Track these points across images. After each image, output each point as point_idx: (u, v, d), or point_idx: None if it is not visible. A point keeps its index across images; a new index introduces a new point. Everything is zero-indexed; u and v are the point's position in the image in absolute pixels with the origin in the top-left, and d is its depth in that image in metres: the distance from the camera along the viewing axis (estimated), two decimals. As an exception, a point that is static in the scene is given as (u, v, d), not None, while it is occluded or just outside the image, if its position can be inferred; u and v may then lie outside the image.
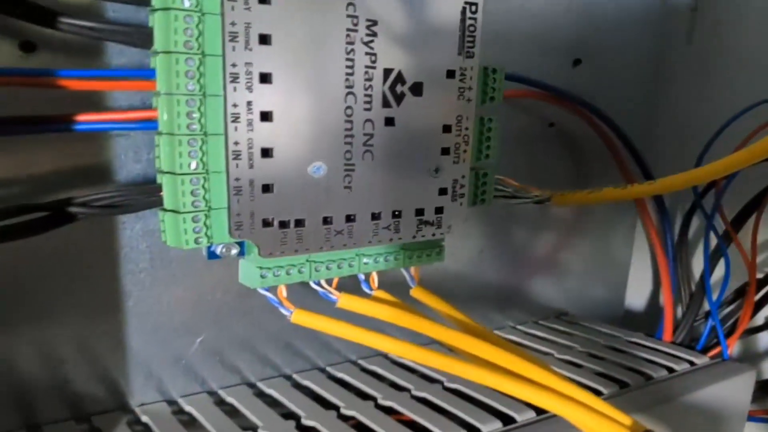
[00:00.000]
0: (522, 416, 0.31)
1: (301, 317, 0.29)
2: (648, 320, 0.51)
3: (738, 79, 0.44)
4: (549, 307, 0.48)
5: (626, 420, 0.26)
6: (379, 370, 0.37)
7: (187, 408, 0.32)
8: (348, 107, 0.27)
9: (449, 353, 0.30)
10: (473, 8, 0.30)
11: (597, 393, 0.35)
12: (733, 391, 0.38)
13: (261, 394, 0.34)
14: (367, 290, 0.32)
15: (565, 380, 0.28)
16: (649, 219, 0.46)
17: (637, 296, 0.53)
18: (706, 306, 0.42)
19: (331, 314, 0.29)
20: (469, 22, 0.30)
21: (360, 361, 0.38)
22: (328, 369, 0.37)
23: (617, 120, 0.44)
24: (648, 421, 0.33)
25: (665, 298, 0.44)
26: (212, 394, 0.34)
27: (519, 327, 0.46)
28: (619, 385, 0.36)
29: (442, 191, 0.32)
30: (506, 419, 0.31)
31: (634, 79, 0.47)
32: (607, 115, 0.42)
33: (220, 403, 0.33)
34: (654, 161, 0.46)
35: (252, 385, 0.35)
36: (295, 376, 0.36)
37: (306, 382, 0.35)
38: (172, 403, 0.33)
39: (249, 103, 0.25)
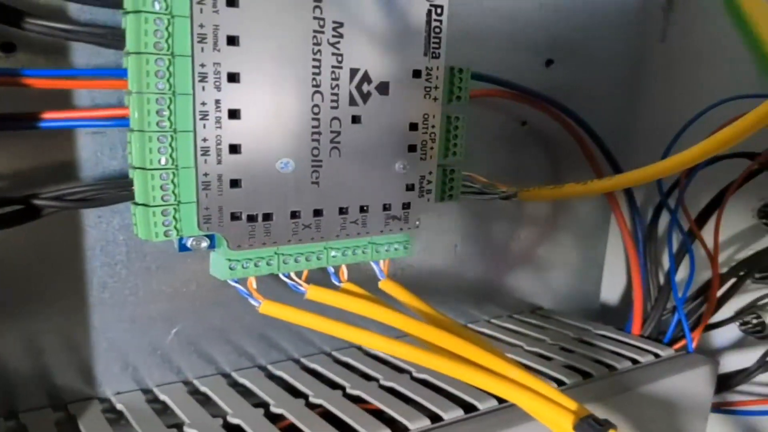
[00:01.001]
0: (484, 405, 0.32)
1: (269, 308, 0.30)
2: (622, 314, 0.52)
3: (709, 76, 0.45)
4: (524, 302, 0.49)
5: (572, 405, 0.27)
6: (352, 361, 0.38)
7: (162, 397, 0.33)
8: (315, 105, 0.28)
9: (414, 344, 0.31)
10: (438, 10, 0.31)
11: (560, 383, 0.36)
12: (696, 383, 0.40)
13: (234, 384, 0.35)
14: (336, 282, 0.33)
15: (521, 370, 0.29)
16: (621, 216, 0.47)
17: (611, 290, 0.54)
18: (674, 301, 0.43)
19: (302, 306, 0.30)
20: (434, 23, 0.31)
21: (334, 353, 0.39)
22: (302, 360, 0.38)
23: (592, 118, 0.45)
24: (607, 409, 0.34)
25: (635, 293, 0.45)
26: (187, 383, 0.35)
27: (493, 321, 0.47)
28: (582, 375, 0.37)
29: (410, 187, 0.33)
30: (469, 407, 0.32)
31: (608, 78, 0.48)
32: (577, 114, 0.43)
33: (194, 392, 0.34)
34: (632, 158, 0.47)
35: (227, 375, 0.36)
36: (269, 366, 0.37)
37: (279, 373, 0.36)
38: (147, 391, 0.34)
39: (217, 102, 0.26)
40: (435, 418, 0.31)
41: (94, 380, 0.33)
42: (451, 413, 0.32)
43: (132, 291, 0.33)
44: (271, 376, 0.36)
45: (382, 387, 0.35)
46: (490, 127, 0.43)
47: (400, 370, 0.37)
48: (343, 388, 0.34)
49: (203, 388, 0.35)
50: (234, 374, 0.36)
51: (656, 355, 0.41)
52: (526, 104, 0.42)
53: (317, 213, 0.30)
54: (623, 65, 0.49)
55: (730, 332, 0.46)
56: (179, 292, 0.34)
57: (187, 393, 0.34)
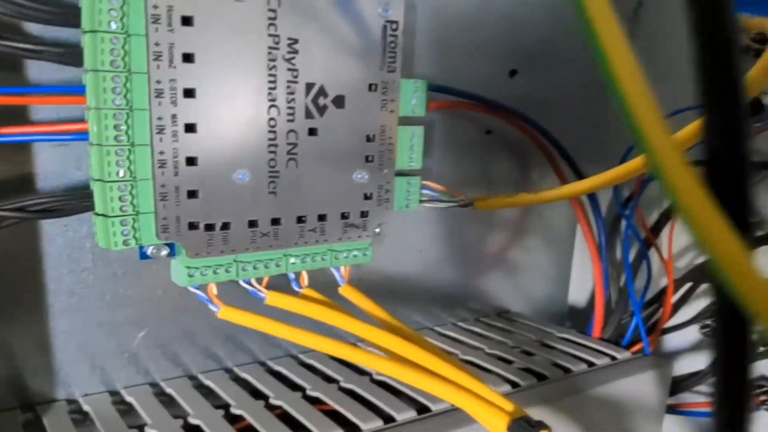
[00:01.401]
0: (437, 406, 0.33)
1: (228, 313, 0.31)
2: (588, 317, 0.53)
3: (673, 86, 0.46)
4: (492, 305, 0.51)
5: (509, 407, 0.28)
6: (316, 364, 0.39)
7: (128, 398, 0.35)
8: (271, 119, 0.30)
9: (369, 349, 0.32)
10: (394, 26, 0.32)
11: (515, 385, 0.37)
12: (650, 385, 0.41)
13: (199, 386, 0.37)
14: (296, 288, 0.34)
15: (466, 374, 0.30)
16: (585, 222, 0.48)
17: (578, 294, 0.55)
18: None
19: (264, 311, 0.32)
20: (390, 39, 0.32)
21: (300, 356, 0.41)
22: (268, 362, 0.39)
23: (558, 126, 0.46)
24: (559, 411, 0.35)
25: (597, 297, 0.47)
26: (154, 385, 0.36)
27: (460, 323, 0.48)
28: (538, 378, 0.38)
29: (368, 196, 0.34)
30: (423, 409, 0.33)
31: (574, 87, 0.49)
32: (539, 124, 0.44)
33: (160, 393, 0.36)
34: (598, 166, 0.48)
35: (193, 377, 0.37)
36: (235, 369, 0.38)
37: (244, 375, 0.38)
38: (114, 393, 0.35)
39: (174, 116, 0.27)
40: (388, 419, 0.32)
41: (63, 383, 0.34)
42: (405, 414, 0.33)
43: (99, 296, 0.34)
44: (236, 378, 0.38)
45: (341, 389, 0.36)
46: (455, 136, 0.44)
47: (362, 372, 0.38)
48: (303, 390, 0.36)
49: (169, 390, 0.36)
50: (200, 376, 0.37)
51: (612, 358, 0.42)
52: (490, 115, 0.43)
53: (275, 222, 0.31)
54: (589, 75, 0.50)
55: (692, 335, 0.48)
56: (145, 297, 0.35)
57: (152, 395, 0.35)
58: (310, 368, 0.39)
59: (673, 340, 0.48)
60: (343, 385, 0.36)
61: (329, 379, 0.37)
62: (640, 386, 0.40)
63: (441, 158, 0.43)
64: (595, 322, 0.46)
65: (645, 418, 0.41)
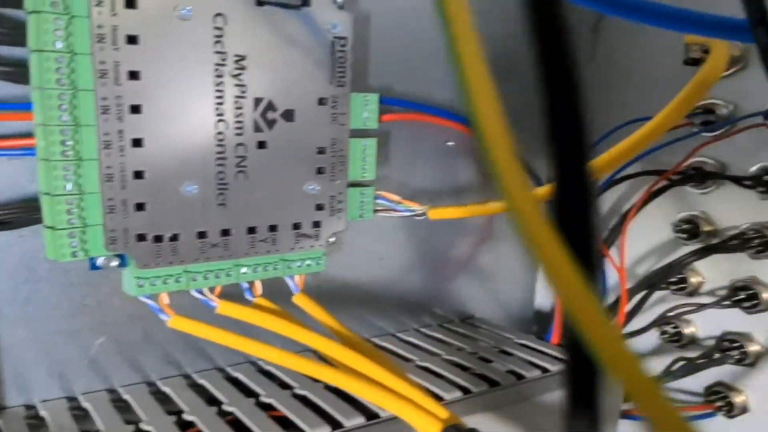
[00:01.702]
0: (385, 413, 0.34)
1: (178, 323, 0.32)
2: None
3: (636, 94, 0.47)
4: (456, 311, 0.51)
5: (443, 414, 0.29)
6: (274, 370, 0.40)
7: (85, 404, 0.35)
8: (219, 133, 0.30)
9: (317, 359, 0.33)
10: (342, 42, 0.33)
11: (467, 391, 0.38)
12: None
13: (157, 392, 0.37)
14: (249, 297, 0.35)
15: (407, 383, 0.31)
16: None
17: (545, 299, 0.56)
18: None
19: (219, 320, 0.32)
20: (338, 54, 0.33)
21: (259, 362, 0.41)
22: (227, 369, 0.40)
23: (519, 135, 0.47)
24: (508, 417, 0.36)
25: (557, 303, 0.47)
26: (112, 391, 0.37)
27: (422, 329, 0.49)
28: (490, 384, 0.39)
29: (320, 207, 0.35)
30: (372, 416, 0.34)
31: (532, 96, 0.50)
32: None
33: (117, 400, 0.36)
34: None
35: (151, 384, 0.38)
36: (194, 375, 0.39)
37: (202, 381, 0.38)
38: (72, 399, 0.36)
39: (120, 132, 0.28)
40: (336, 425, 0.33)
41: (22, 389, 0.35)
42: (353, 420, 0.33)
43: (56, 305, 0.35)
44: (194, 385, 0.38)
45: (295, 395, 0.37)
46: (418, 145, 0.45)
47: (316, 379, 0.38)
48: (257, 396, 0.36)
49: (126, 396, 0.36)
50: (158, 382, 0.38)
51: (567, 364, 0.43)
52: (450, 126, 0.44)
53: (225, 233, 0.32)
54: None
55: (652, 340, 0.49)
56: (103, 305, 0.36)
57: (109, 401, 0.36)
58: (268, 375, 0.40)
59: (634, 345, 0.49)
60: (297, 391, 0.37)
61: (285, 386, 0.38)
62: (592, 392, 0.41)
63: (404, 168, 0.44)
64: (554, 329, 0.47)
65: (598, 423, 0.42)
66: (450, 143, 0.46)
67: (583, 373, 0.13)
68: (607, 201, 0.46)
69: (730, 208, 0.42)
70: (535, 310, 0.57)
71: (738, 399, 0.44)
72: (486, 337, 0.47)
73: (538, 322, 0.56)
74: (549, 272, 0.13)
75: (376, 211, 0.38)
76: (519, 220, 0.13)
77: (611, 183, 0.44)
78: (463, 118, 0.43)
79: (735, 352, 0.42)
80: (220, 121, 0.30)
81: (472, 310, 0.52)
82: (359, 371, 0.32)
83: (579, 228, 0.13)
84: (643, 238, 0.47)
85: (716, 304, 0.41)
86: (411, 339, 0.47)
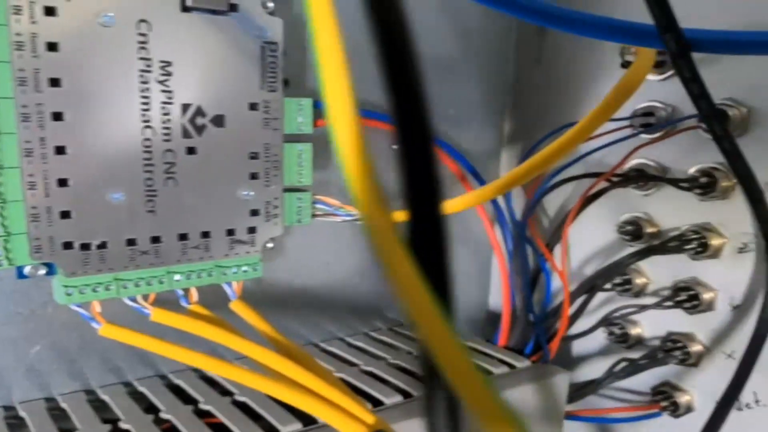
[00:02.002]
0: (323, 420, 0.34)
1: (109, 331, 0.32)
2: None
3: (580, 96, 0.48)
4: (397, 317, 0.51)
5: (370, 420, 0.29)
6: (216, 377, 0.40)
7: (22, 413, 0.35)
8: (146, 139, 0.30)
9: (250, 367, 0.33)
10: (273, 47, 0.33)
11: (408, 395, 0.38)
12: (547, 392, 0.42)
13: (95, 400, 0.37)
14: (185, 304, 0.35)
15: (338, 390, 0.31)
16: (492, 232, 0.49)
17: (498, 301, 0.56)
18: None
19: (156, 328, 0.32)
20: (269, 59, 0.33)
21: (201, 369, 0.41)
22: (169, 375, 0.40)
23: (465, 139, 0.47)
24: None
25: (504, 306, 0.48)
26: (50, 399, 0.37)
27: (371, 333, 0.49)
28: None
29: (255, 212, 0.35)
30: (310, 421, 0.34)
31: (481, 100, 0.50)
32: (439, 138, 0.45)
33: (54, 408, 0.36)
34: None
35: (90, 392, 0.38)
36: (134, 382, 0.39)
37: (142, 389, 0.38)
38: (9, 408, 0.36)
39: (42, 139, 0.28)
40: (273, 431, 0.33)
41: (-42, 398, 0.35)
42: (289, 426, 0.33)
43: (-12, 314, 0.34)
44: (133, 393, 0.38)
45: (234, 402, 0.36)
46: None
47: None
48: (196, 403, 0.36)
49: (63, 405, 0.36)
50: (98, 390, 0.38)
51: (511, 367, 0.43)
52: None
53: (155, 240, 0.32)
54: (498, 87, 0.51)
55: (599, 341, 0.49)
56: (36, 313, 0.35)
57: (45, 409, 0.35)
58: (210, 382, 0.39)
59: (581, 346, 0.50)
60: (237, 398, 0.37)
61: (225, 393, 0.38)
62: (535, 394, 0.41)
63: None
64: (501, 331, 0.47)
65: (543, 425, 0.42)
66: (396, 146, 0.46)
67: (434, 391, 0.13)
68: (552, 204, 0.46)
69: (671, 210, 0.42)
70: (487, 312, 0.57)
71: (683, 399, 0.44)
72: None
73: (492, 324, 0.57)
74: (399, 290, 0.13)
75: (315, 215, 0.38)
76: (371, 235, 0.13)
77: (552, 186, 0.44)
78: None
79: (678, 353, 0.43)
80: (146, 127, 0.30)
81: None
82: (291, 379, 0.32)
83: (429, 246, 0.13)
84: (590, 241, 0.47)
85: (657, 306, 0.42)
86: (359, 343, 0.47)
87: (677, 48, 0.23)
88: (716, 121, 0.27)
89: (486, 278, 0.56)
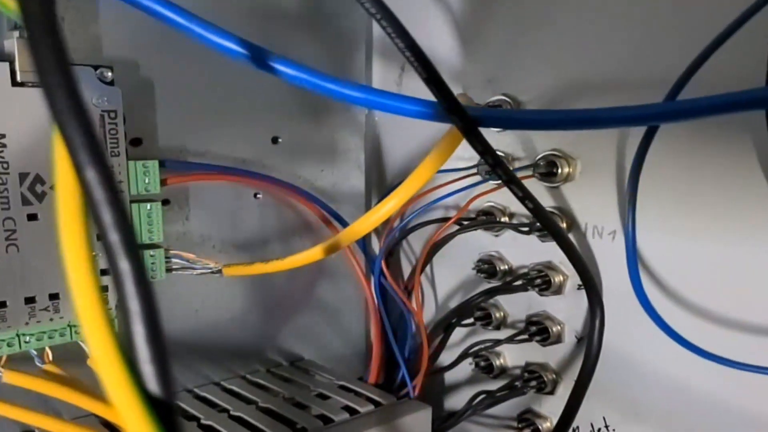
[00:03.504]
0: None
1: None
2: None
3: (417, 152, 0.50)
4: (286, 354, 0.53)
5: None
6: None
7: None
8: (-17, 210, 0.31)
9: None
10: (112, 114, 0.34)
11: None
12: (411, 428, 0.44)
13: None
14: (39, 364, 0.36)
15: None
16: (360, 273, 0.51)
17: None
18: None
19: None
20: (109, 126, 0.34)
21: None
22: None
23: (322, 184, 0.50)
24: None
25: (374, 342, 0.49)
26: None
27: (247, 376, 0.50)
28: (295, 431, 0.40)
29: (104, 272, 0.35)
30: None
31: (348, 144, 0.52)
32: (300, 188, 0.47)
33: None
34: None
35: None
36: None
37: None
38: None
39: None
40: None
41: None
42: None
43: None
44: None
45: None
46: (225, 201, 0.46)
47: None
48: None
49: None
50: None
51: (377, 404, 0.45)
52: (253, 183, 0.45)
53: (1, 305, 0.32)
54: (359, 134, 0.53)
55: (469, 372, 0.51)
56: None
57: None
58: None
59: (452, 378, 0.52)
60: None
61: None
62: (399, 430, 0.43)
63: (210, 222, 0.45)
64: (371, 369, 0.49)
65: (405, 458, 0.44)
66: (258, 195, 0.47)
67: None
68: (415, 245, 0.48)
69: (518, 249, 0.45)
70: (369, 348, 0.59)
71: (545, 425, 0.47)
72: (307, 380, 0.49)
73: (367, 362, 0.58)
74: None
75: (171, 270, 0.39)
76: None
77: (402, 233, 0.46)
78: (257, 174, 0.45)
79: (534, 382, 0.45)
80: (-17, 198, 0.31)
81: (302, 352, 0.54)
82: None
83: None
84: (453, 278, 0.50)
85: (510, 340, 0.44)
86: (233, 387, 0.48)
87: (464, 126, 0.25)
88: (515, 185, 0.29)
89: (368, 314, 0.58)
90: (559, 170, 0.40)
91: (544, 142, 0.41)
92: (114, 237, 0.14)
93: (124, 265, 0.14)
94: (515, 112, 0.25)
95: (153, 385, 0.14)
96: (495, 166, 0.27)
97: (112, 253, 0.14)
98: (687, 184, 0.36)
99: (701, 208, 0.35)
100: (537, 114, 0.24)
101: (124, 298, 0.14)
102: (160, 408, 0.14)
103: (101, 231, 0.14)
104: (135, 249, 0.14)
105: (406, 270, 0.53)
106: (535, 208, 0.30)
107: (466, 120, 0.25)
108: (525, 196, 0.29)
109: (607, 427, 0.44)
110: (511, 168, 0.43)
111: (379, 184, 0.55)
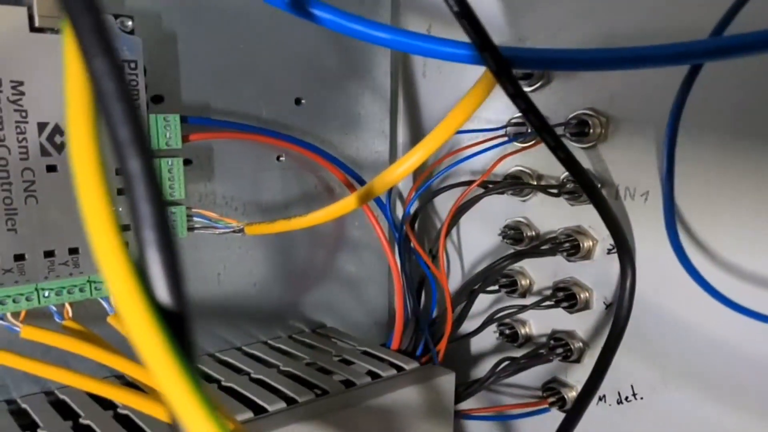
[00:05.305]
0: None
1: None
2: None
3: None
4: (309, 321, 0.52)
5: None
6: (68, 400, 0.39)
7: None
8: (1, 158, 0.30)
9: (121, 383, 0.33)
10: (132, 65, 0.33)
11: (292, 402, 0.38)
12: (434, 393, 0.43)
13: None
14: (58, 320, 0.35)
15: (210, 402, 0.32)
16: (383, 236, 0.50)
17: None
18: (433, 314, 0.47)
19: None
20: (130, 77, 0.33)
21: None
22: (56, 392, 0.40)
23: (350, 147, 0.49)
24: (335, 424, 0.37)
25: (397, 309, 0.49)
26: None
27: (270, 342, 0.49)
28: (316, 393, 0.40)
29: (125, 228, 0.35)
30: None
31: (368, 112, 0.51)
32: (322, 149, 0.46)
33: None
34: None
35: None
36: (18, 400, 0.39)
37: (25, 406, 0.38)
38: None
39: None
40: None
41: None
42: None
43: None
44: (16, 411, 0.38)
45: (116, 415, 0.37)
46: (248, 162, 0.45)
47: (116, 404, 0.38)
48: (77, 418, 0.36)
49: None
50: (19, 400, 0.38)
51: (400, 369, 0.44)
52: (276, 144, 0.44)
53: (19, 258, 0.32)
54: (383, 100, 0.52)
55: (493, 341, 0.50)
56: None
57: None
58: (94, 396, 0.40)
59: (477, 346, 0.51)
60: (120, 411, 0.37)
61: (108, 407, 0.38)
62: (422, 394, 0.42)
63: (233, 184, 0.44)
64: (394, 335, 0.48)
65: (431, 425, 0.43)
66: (282, 158, 0.47)
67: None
68: (441, 209, 0.47)
69: (547, 214, 0.44)
70: (392, 315, 0.58)
71: (570, 394, 0.46)
72: (329, 346, 0.48)
73: (391, 328, 0.57)
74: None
75: (193, 229, 0.38)
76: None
77: (429, 195, 0.45)
78: (281, 135, 0.44)
79: (560, 350, 0.44)
80: (0, 147, 0.30)
81: (326, 319, 0.53)
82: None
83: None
84: (478, 244, 0.49)
85: (536, 305, 0.43)
86: (254, 351, 0.47)
87: (496, 66, 0.24)
88: (547, 133, 0.28)
89: (390, 283, 0.57)
90: (591, 130, 0.38)
91: (577, 100, 0.40)
92: (124, 133, 0.13)
93: (135, 165, 0.13)
94: (551, 50, 0.24)
95: (163, 292, 0.13)
96: (527, 112, 0.26)
97: (122, 153, 0.13)
98: (724, 144, 0.34)
99: (741, 165, 0.34)
100: (577, 53, 0.23)
101: (135, 202, 0.13)
102: (171, 317, 0.13)
103: (110, 128, 0.13)
104: (147, 147, 0.13)
105: (431, 235, 0.52)
106: (567, 158, 0.29)
107: (498, 59, 0.24)
108: (557, 146, 0.28)
109: (635, 395, 0.42)
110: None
111: (404, 150, 0.54)
